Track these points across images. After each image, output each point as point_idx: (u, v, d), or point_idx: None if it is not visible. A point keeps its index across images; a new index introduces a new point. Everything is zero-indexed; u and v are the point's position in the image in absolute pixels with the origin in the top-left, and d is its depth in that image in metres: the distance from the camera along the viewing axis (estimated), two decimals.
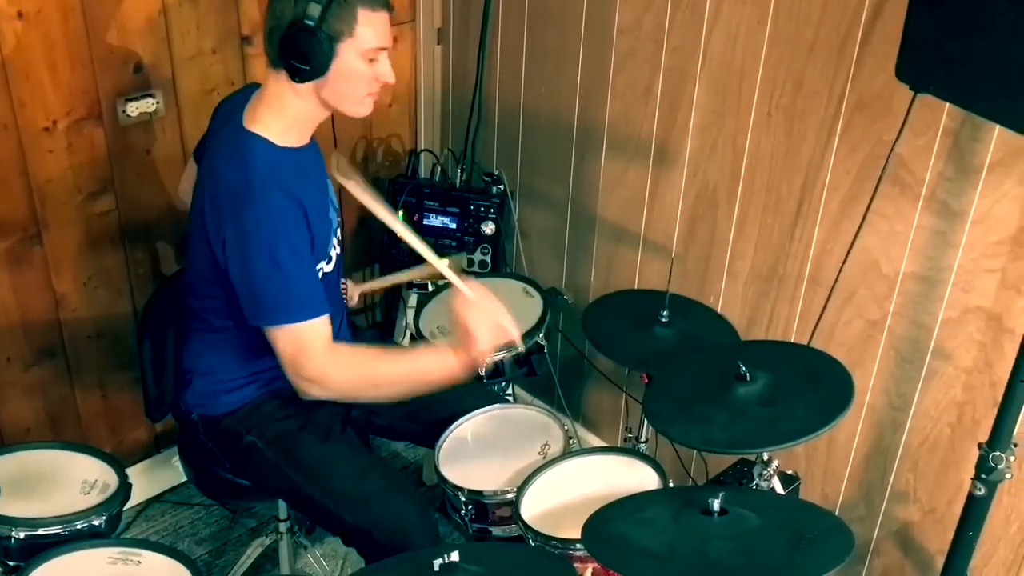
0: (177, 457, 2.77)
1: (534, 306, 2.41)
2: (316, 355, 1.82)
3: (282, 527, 2.37)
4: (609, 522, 1.51)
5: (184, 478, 2.80)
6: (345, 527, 1.99)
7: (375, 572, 1.55)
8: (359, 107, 1.87)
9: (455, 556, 1.35)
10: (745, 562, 1.35)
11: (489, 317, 1.83)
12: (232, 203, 1.77)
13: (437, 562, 1.33)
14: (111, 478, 1.91)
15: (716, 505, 1.43)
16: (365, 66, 1.80)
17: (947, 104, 1.87)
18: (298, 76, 1.77)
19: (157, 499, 2.81)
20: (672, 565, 1.36)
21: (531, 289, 2.46)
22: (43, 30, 2.13)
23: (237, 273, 1.79)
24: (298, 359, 1.81)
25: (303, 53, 1.74)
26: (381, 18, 1.79)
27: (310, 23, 1.72)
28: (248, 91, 1.94)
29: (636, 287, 2.62)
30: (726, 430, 1.64)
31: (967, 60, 1.53)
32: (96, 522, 1.79)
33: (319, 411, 2.05)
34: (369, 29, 1.77)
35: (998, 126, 1.83)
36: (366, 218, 2.95)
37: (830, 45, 2.03)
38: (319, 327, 1.82)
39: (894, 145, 1.95)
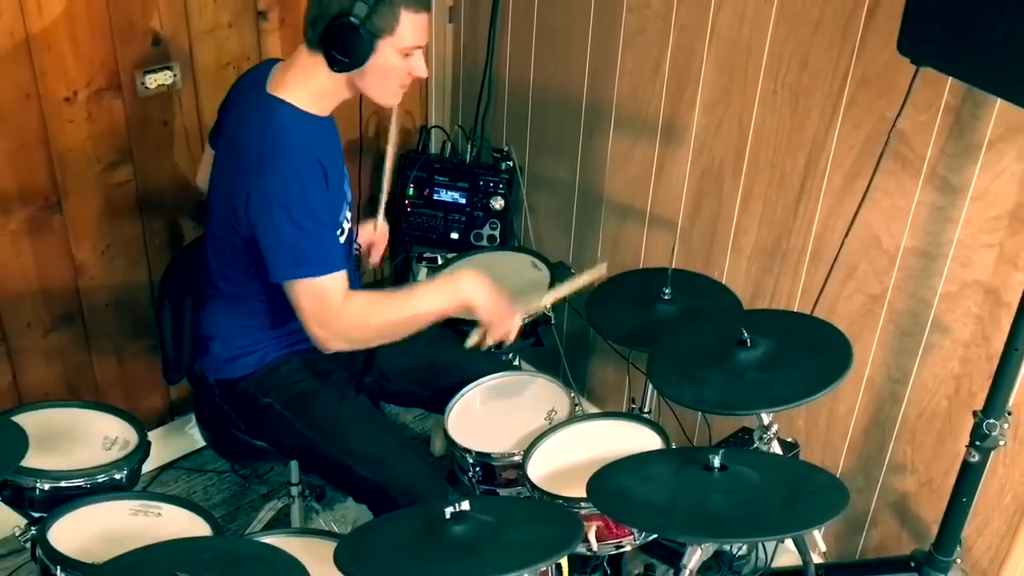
0: (190, 424, 2.86)
1: (542, 279, 2.46)
2: (336, 307, 1.87)
3: (294, 491, 2.43)
4: (613, 478, 1.56)
5: (197, 445, 2.89)
6: (360, 484, 2.04)
7: (390, 520, 1.61)
8: (389, 98, 1.96)
9: (466, 505, 1.41)
10: (743, 514, 1.41)
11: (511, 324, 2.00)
12: (257, 161, 1.83)
13: (448, 510, 1.39)
14: (131, 435, 1.97)
15: (716, 461, 1.49)
16: (401, 61, 1.87)
17: (948, 81, 1.91)
18: (336, 66, 1.84)
19: (171, 465, 2.87)
20: (673, 516, 1.42)
21: (539, 262, 2.51)
22: (65, 2, 2.18)
23: (260, 228, 1.84)
24: (321, 312, 1.87)
25: (344, 47, 1.81)
26: (421, 18, 1.86)
27: (355, 20, 1.79)
28: (263, 68, 1.99)
29: (642, 262, 2.66)
30: (720, 391, 1.70)
31: (968, 33, 1.57)
32: (117, 476, 1.86)
33: (333, 376, 2.11)
34: (409, 29, 1.84)
35: (998, 104, 1.87)
36: (378, 190, 2.99)
37: (835, 23, 2.07)
38: (338, 281, 1.88)
39: (896, 122, 1.99)
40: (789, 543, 2.20)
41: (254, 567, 1.41)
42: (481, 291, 1.95)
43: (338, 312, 1.87)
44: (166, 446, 2.84)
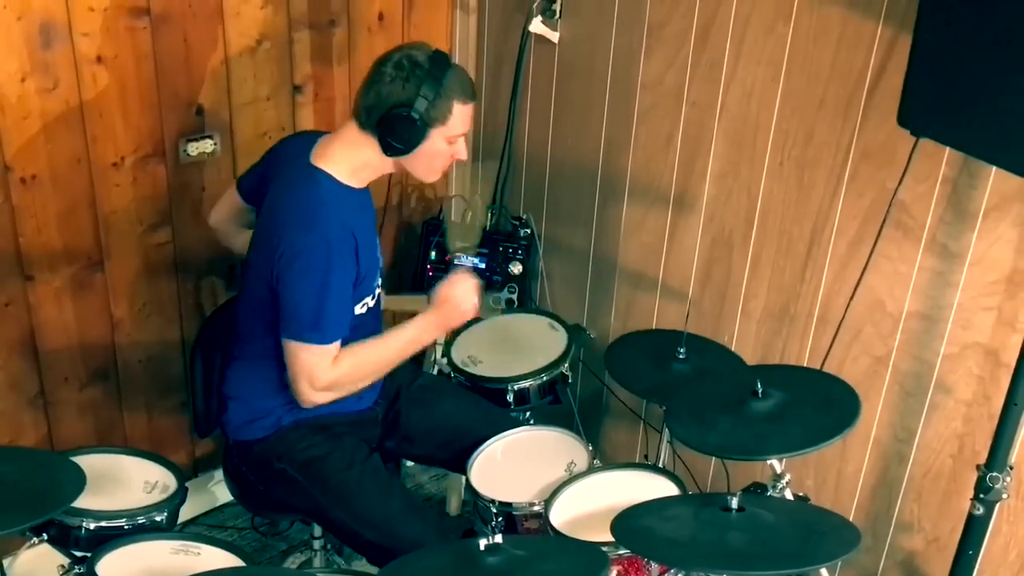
0: (212, 482, 2.93)
1: (559, 339, 2.56)
2: (327, 370, 2.03)
3: (316, 544, 2.49)
4: (635, 518, 1.64)
5: (219, 502, 2.96)
6: (369, 547, 2.14)
7: (426, 555, 1.68)
8: (431, 177, 2.12)
9: (499, 538, 1.49)
10: (761, 550, 1.49)
11: (468, 295, 2.16)
12: (294, 225, 1.96)
13: (483, 542, 1.47)
14: (170, 480, 2.06)
15: (735, 502, 1.57)
16: (446, 147, 2.03)
17: (946, 153, 2.04)
18: (389, 151, 1.99)
19: (192, 522, 2.92)
20: (694, 551, 1.50)
21: (556, 324, 2.62)
22: (118, 74, 2.34)
23: (282, 284, 1.97)
24: (312, 374, 2.01)
25: (400, 135, 1.96)
26: (469, 109, 2.02)
27: (415, 115, 1.93)
28: (310, 139, 2.12)
29: (654, 326, 2.76)
30: (725, 436, 1.81)
31: (966, 106, 1.69)
32: (158, 518, 1.94)
33: (344, 439, 2.19)
34: (459, 119, 2.00)
35: (992, 175, 1.99)
36: (402, 255, 3.11)
37: (838, 100, 2.21)
38: (333, 349, 2.03)
39: (896, 192, 2.11)
40: None
41: None
42: (442, 324, 2.18)
43: (329, 374, 2.03)
44: (189, 502, 2.87)
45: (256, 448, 2.17)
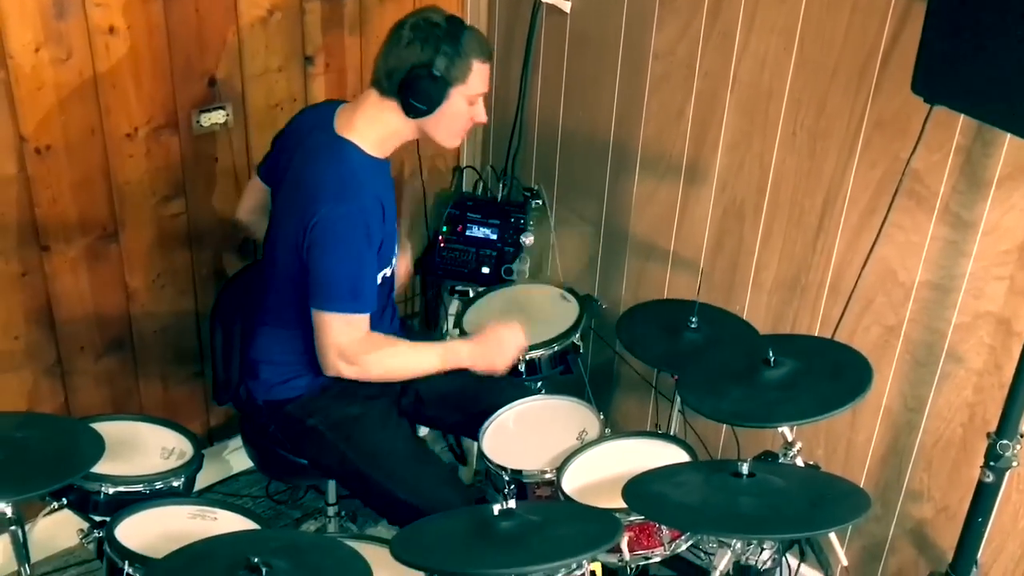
0: (227, 451, 2.96)
1: (570, 309, 2.57)
2: (361, 341, 2.05)
3: (330, 511, 2.52)
4: (647, 484, 1.66)
5: (234, 471, 2.99)
6: (398, 506, 2.15)
7: (440, 519, 1.70)
8: (453, 140, 2.14)
9: (512, 503, 1.51)
10: (771, 514, 1.50)
11: (512, 346, 2.20)
12: (326, 196, 1.98)
13: (497, 507, 1.49)
14: (187, 447, 2.09)
15: (745, 468, 1.59)
16: (467, 108, 2.05)
17: (960, 122, 2.04)
18: (412, 113, 2.01)
19: (207, 490, 2.95)
20: (705, 515, 1.51)
21: (568, 294, 2.63)
22: (131, 45, 2.34)
23: (314, 253, 1.99)
24: (346, 344, 2.03)
25: (422, 95, 1.98)
26: (487, 68, 2.05)
27: (436, 72, 1.96)
28: (327, 109, 2.13)
29: (665, 297, 2.77)
30: (737, 404, 1.83)
31: (980, 72, 1.68)
32: (175, 483, 1.98)
33: (376, 401, 2.22)
34: (478, 77, 2.03)
35: (1007, 143, 1.99)
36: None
37: (851, 69, 2.20)
38: (367, 320, 2.05)
39: (909, 161, 2.11)
40: (811, 572, 2.29)
41: (318, 556, 1.51)
42: (475, 359, 2.18)
43: (361, 347, 2.04)
44: (203, 471, 2.91)
45: (288, 407, 2.20)
